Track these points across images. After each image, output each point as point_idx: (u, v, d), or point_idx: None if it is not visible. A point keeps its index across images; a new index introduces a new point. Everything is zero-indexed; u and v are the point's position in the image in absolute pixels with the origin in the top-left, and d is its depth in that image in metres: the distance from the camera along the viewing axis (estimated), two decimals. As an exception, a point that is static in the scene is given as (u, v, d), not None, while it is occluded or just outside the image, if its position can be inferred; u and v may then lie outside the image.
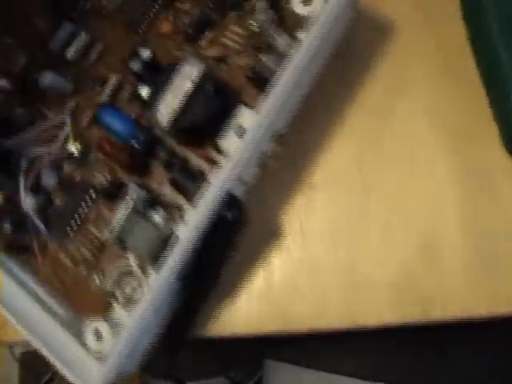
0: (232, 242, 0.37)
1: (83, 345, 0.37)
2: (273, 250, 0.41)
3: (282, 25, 0.39)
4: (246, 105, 0.39)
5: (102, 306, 0.40)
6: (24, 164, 0.42)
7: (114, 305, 0.39)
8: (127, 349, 0.35)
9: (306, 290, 0.40)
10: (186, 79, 0.36)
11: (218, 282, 0.38)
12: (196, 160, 0.39)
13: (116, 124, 0.40)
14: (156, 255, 0.36)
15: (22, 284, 0.41)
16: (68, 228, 0.41)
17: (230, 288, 0.40)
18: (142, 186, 0.39)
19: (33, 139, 0.43)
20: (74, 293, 0.41)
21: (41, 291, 0.41)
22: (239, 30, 0.40)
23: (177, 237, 0.36)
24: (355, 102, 0.41)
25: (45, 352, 0.36)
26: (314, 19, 0.36)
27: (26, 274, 0.42)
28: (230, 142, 0.38)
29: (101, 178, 0.41)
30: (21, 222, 0.42)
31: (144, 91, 0.38)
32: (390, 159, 0.40)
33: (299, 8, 0.37)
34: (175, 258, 0.34)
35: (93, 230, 0.41)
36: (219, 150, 0.39)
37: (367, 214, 0.40)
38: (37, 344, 0.37)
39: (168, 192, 0.39)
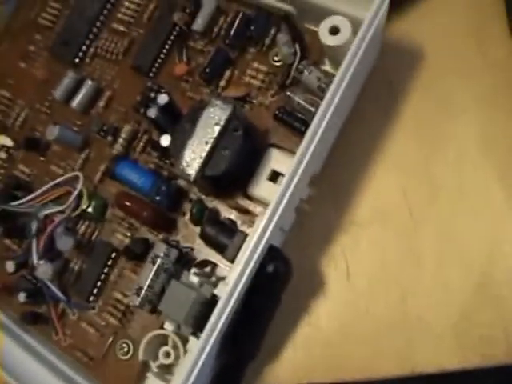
0: (277, 296, 0.34)
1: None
2: (318, 294, 0.38)
3: (306, 58, 0.37)
4: (276, 146, 0.37)
5: (134, 378, 0.37)
6: (35, 227, 0.39)
7: (149, 375, 0.37)
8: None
9: (356, 336, 0.37)
10: (212, 124, 0.34)
11: (264, 338, 0.35)
12: (227, 210, 0.37)
13: (134, 177, 0.38)
14: (195, 319, 0.33)
15: (40, 358, 0.38)
16: (89, 294, 0.38)
17: (275, 338, 0.37)
18: (169, 244, 0.36)
19: (42, 199, 0.40)
20: (101, 365, 0.38)
21: (62, 365, 0.38)
22: (261, 67, 0.38)
23: (217, 297, 0.33)
24: (397, 129, 0.39)
25: None
26: (344, 50, 0.34)
27: (45, 346, 0.39)
28: (264, 189, 0.36)
29: (121, 237, 0.39)
30: (36, 289, 0.39)
31: (164, 140, 0.36)
32: (439, 190, 0.38)
33: (327, 39, 0.35)
34: (217, 320, 0.31)
35: (117, 294, 0.38)
36: (251, 198, 0.37)
37: (419, 252, 0.37)
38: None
39: (199, 248, 0.37)
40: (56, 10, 0.45)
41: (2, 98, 0.45)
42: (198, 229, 0.37)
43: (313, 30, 0.38)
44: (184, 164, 0.34)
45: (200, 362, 0.31)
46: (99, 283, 0.38)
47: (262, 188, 0.36)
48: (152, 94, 0.40)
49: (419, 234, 0.37)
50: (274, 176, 0.36)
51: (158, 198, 0.37)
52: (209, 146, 0.34)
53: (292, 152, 0.36)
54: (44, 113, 0.43)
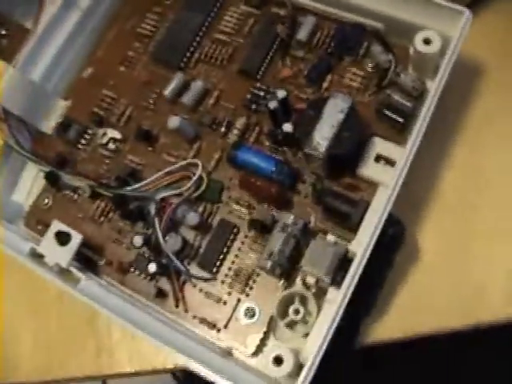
0: (393, 257, 0.42)
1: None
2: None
3: (399, 63, 0.47)
4: (379, 136, 0.45)
5: (258, 340, 0.42)
6: (154, 209, 0.45)
7: (280, 327, 0.43)
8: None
9: (424, 300, 0.45)
10: (337, 111, 0.42)
11: (378, 296, 0.43)
12: (338, 188, 0.45)
13: (258, 160, 0.45)
14: (334, 272, 0.40)
15: (173, 327, 0.44)
16: (211, 267, 0.44)
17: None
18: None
19: (157, 184, 0.46)
20: (226, 331, 0.43)
21: (193, 331, 0.44)
22: (358, 72, 0.47)
23: (349, 253, 0.40)
24: (453, 137, 0.49)
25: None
26: (431, 58, 0.44)
27: (173, 316, 0.44)
28: (372, 169, 0.44)
29: (240, 215, 0.45)
30: (162, 264, 0.44)
31: (287, 127, 0.44)
32: (490, 182, 0.48)
33: (421, 47, 0.45)
34: (354, 272, 0.39)
35: (237, 265, 0.44)
36: (358, 178, 0.45)
37: (474, 232, 0.47)
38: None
39: (314, 219, 0.44)
40: (154, 21, 0.53)
41: (105, 96, 0.51)
42: (312, 205, 0.45)
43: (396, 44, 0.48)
44: (315, 143, 0.42)
45: (341, 310, 0.38)
46: (220, 256, 0.44)
47: (370, 168, 0.44)
48: (261, 93, 0.48)
49: (475, 219, 0.47)
50: (378, 159, 0.45)
51: (280, 177, 0.44)
52: (335, 129, 0.42)
53: (391, 139, 0.45)
54: (150, 110, 0.50)
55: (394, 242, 0.42)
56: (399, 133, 0.45)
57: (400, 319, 0.45)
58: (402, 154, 0.42)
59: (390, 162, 0.44)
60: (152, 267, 0.44)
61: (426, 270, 0.46)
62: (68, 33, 0.51)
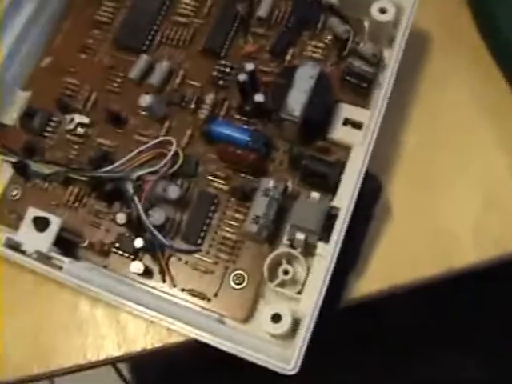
0: (372, 210, 0.45)
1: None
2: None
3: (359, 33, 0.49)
4: (344, 101, 0.48)
5: (250, 304, 0.44)
6: (131, 187, 0.45)
7: (270, 291, 0.44)
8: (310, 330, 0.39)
9: (399, 252, 0.47)
10: (307, 77, 0.45)
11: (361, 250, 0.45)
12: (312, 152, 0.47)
13: (233, 131, 0.46)
14: (321, 226, 0.42)
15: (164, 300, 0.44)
16: (195, 238, 0.45)
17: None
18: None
19: (131, 164, 0.46)
20: (217, 298, 0.44)
21: (184, 304, 0.44)
22: (319, 44, 0.50)
23: (337, 208, 0.42)
24: (408, 99, 0.52)
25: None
26: (387, 26, 0.48)
27: (161, 291, 0.45)
28: (341, 133, 0.46)
29: (217, 186, 0.46)
30: (146, 240, 0.44)
31: (258, 97, 0.45)
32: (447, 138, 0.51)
33: (377, 16, 0.48)
34: (341, 224, 0.41)
35: (222, 233, 0.45)
36: (328, 142, 0.47)
37: (440, 184, 0.49)
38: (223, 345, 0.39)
39: (291, 184, 0.46)
40: (111, 7, 0.53)
41: (68, 84, 0.51)
42: (288, 171, 0.46)
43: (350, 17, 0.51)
44: (289, 108, 0.44)
45: (333, 263, 0.40)
46: (203, 228, 0.45)
47: (339, 132, 0.47)
48: (227, 69, 0.49)
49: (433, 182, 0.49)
50: (345, 123, 0.47)
51: (257, 146, 0.46)
52: (307, 94, 0.44)
53: (355, 104, 0.47)
54: (116, 93, 0.50)
55: (372, 196, 0.44)
56: (362, 97, 0.48)
57: (377, 272, 0.47)
58: (370, 116, 0.45)
59: (356, 125, 0.47)
60: (139, 242, 0.44)
61: (397, 223, 0.48)
62: (23, 24, 0.51)
